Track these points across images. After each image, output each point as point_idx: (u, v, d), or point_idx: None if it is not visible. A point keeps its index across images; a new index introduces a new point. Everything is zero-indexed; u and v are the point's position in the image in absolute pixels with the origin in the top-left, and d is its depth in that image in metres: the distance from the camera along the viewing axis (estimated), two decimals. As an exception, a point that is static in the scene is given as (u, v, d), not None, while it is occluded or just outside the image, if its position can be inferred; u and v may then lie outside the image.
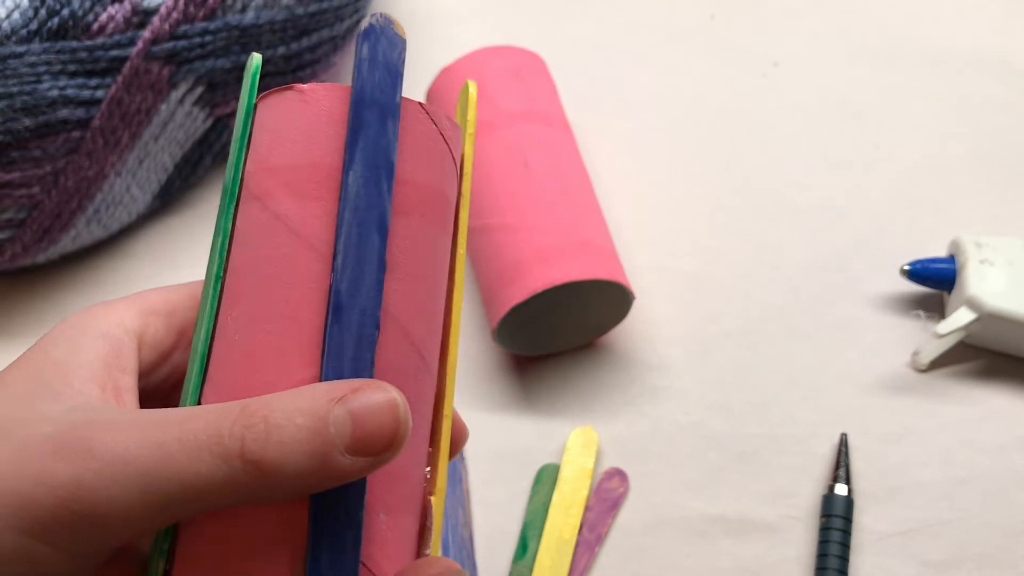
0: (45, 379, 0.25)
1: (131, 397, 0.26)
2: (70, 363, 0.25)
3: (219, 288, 0.27)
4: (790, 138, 0.54)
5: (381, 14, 0.26)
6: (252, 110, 0.27)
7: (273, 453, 0.22)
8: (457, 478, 0.44)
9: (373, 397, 0.23)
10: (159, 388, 0.28)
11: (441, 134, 0.27)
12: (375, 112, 0.25)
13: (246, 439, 0.22)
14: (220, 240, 0.27)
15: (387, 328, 0.26)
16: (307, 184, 0.26)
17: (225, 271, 0.27)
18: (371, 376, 0.25)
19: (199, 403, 0.26)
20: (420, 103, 0.27)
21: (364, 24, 0.26)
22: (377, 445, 0.23)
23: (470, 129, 0.29)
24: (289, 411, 0.23)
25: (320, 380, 0.24)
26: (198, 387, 0.26)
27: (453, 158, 0.28)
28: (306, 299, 0.25)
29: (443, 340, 0.28)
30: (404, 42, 0.26)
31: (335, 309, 0.25)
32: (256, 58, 0.28)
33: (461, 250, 0.28)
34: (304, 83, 0.31)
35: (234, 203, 0.27)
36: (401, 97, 0.26)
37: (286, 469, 0.22)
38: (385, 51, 0.26)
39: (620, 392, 0.46)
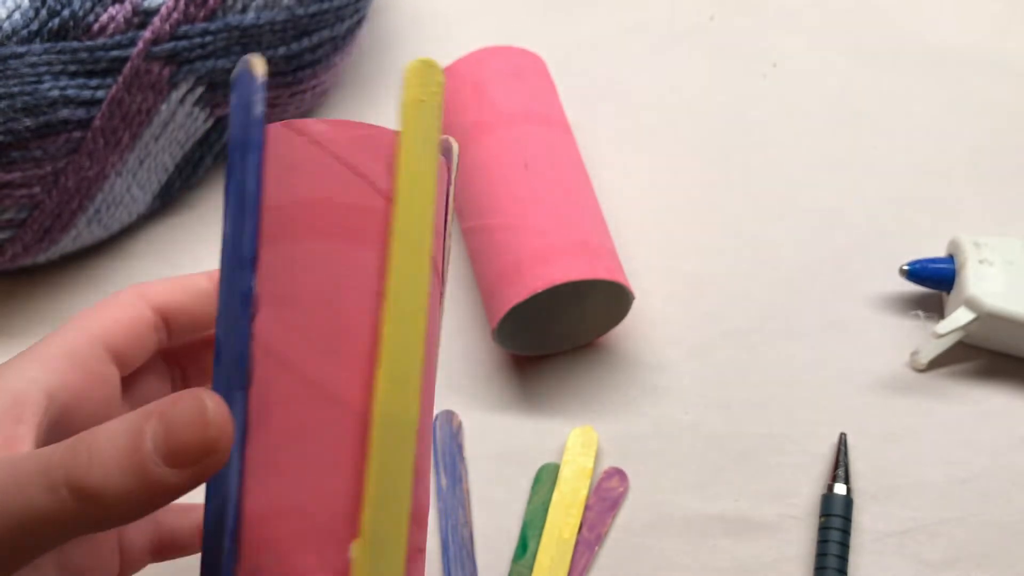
0: None
1: (25, 445, 0.26)
2: None
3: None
4: (789, 138, 0.54)
5: (243, 59, 0.27)
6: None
7: (96, 476, 0.22)
8: (457, 477, 0.44)
9: (182, 404, 0.23)
10: (76, 425, 0.28)
11: (312, 143, 0.27)
12: (237, 151, 0.26)
13: (69, 466, 0.23)
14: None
15: (263, 361, 0.25)
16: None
17: None
18: (240, 412, 0.25)
19: None
20: (285, 122, 0.27)
21: (232, 73, 0.27)
22: (192, 452, 0.23)
23: (418, 110, 0.27)
24: (110, 433, 0.23)
25: None
26: None
27: (344, 162, 0.27)
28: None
29: (375, 350, 0.26)
30: (257, 78, 0.27)
31: (216, 353, 0.25)
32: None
33: (397, 254, 0.26)
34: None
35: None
36: (262, 128, 0.26)
37: (110, 491, 0.22)
38: (243, 93, 0.27)
39: (620, 392, 0.46)
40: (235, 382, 0.25)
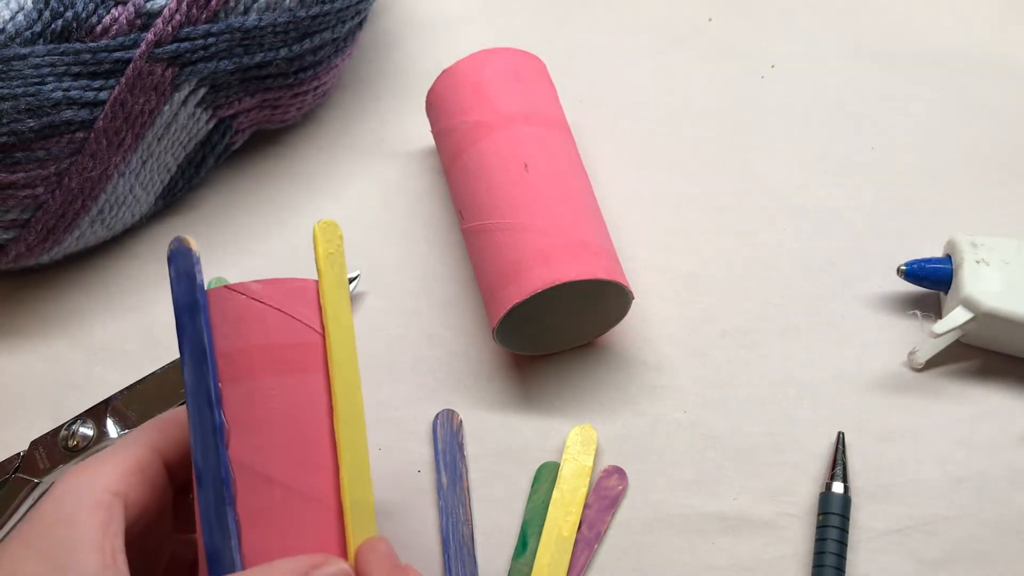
0: (54, 559, 0.29)
1: (122, 556, 0.30)
2: (73, 539, 0.29)
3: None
4: (787, 139, 0.54)
5: (176, 238, 0.32)
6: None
7: None
8: (457, 475, 0.44)
9: (328, 570, 0.30)
10: (135, 534, 0.32)
11: (254, 300, 0.33)
12: (186, 314, 0.32)
13: None
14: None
15: (242, 477, 0.31)
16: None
17: None
18: (231, 522, 0.30)
19: None
20: (226, 285, 0.33)
21: (168, 251, 0.32)
22: None
23: (322, 265, 0.34)
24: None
25: (199, 535, 0.31)
26: None
27: (281, 311, 0.33)
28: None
29: (339, 459, 0.32)
30: (193, 252, 0.32)
31: (196, 478, 0.31)
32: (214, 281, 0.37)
33: (338, 379, 0.33)
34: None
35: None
36: (204, 292, 0.32)
37: None
38: (182, 264, 0.32)
39: (619, 391, 0.46)
40: (222, 499, 0.31)
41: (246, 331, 0.32)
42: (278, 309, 0.33)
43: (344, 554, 0.32)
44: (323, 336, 0.33)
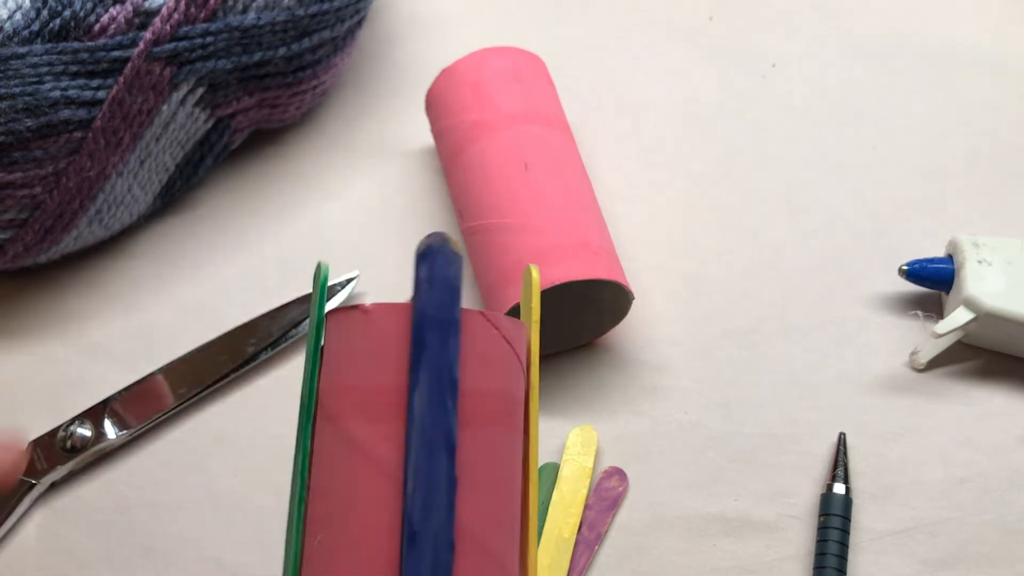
0: None
1: None
2: None
3: (302, 511, 0.27)
4: (789, 139, 0.54)
5: (438, 234, 0.27)
6: (322, 323, 0.28)
7: None
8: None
9: None
10: None
11: (504, 338, 0.28)
12: (436, 331, 0.26)
13: None
14: (301, 459, 0.27)
15: (463, 546, 0.26)
16: (375, 406, 0.26)
17: (308, 492, 0.27)
18: None
19: None
20: (481, 312, 0.28)
21: (422, 245, 0.27)
22: None
23: (535, 316, 0.29)
24: None
25: None
26: None
27: (518, 357, 0.28)
28: (382, 525, 0.25)
29: (522, 535, 0.28)
30: (461, 259, 0.27)
31: (409, 536, 0.25)
32: (325, 268, 0.29)
33: (533, 442, 0.29)
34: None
35: (311, 421, 0.27)
36: (461, 311, 0.26)
37: None
38: (442, 269, 0.26)
39: (619, 392, 0.46)
40: (442, 566, 0.25)
41: (490, 372, 0.27)
42: (517, 356, 0.28)
43: None
44: (528, 392, 0.29)
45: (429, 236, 0.27)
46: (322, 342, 0.28)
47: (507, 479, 0.28)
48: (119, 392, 0.45)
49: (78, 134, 0.44)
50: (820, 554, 0.41)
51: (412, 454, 0.25)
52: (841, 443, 0.44)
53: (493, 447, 0.27)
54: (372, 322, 0.27)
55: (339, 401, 0.27)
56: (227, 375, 0.46)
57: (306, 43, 0.49)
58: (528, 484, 0.28)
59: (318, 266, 0.29)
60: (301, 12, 0.48)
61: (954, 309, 0.45)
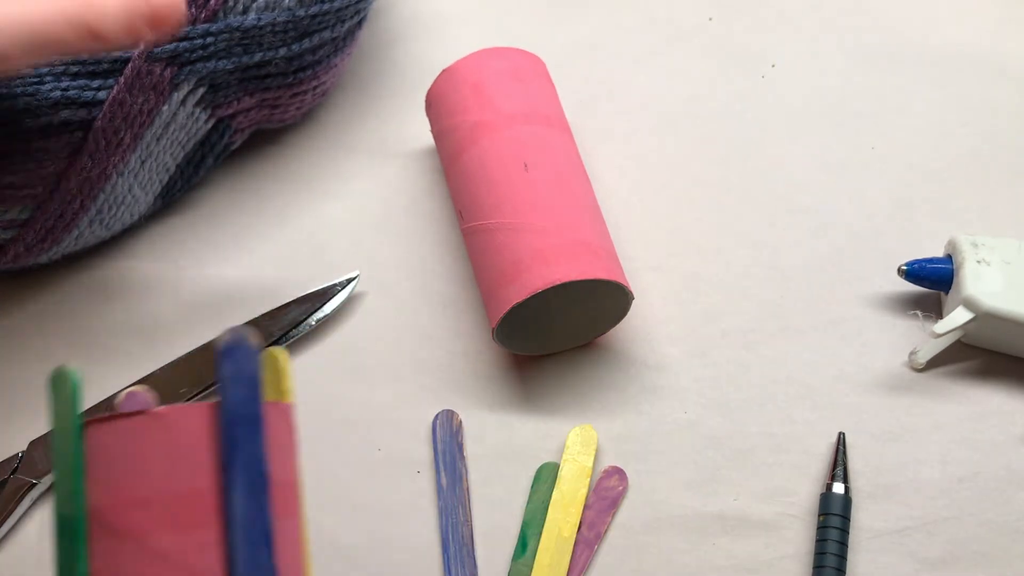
0: None
1: None
2: None
3: None
4: (788, 139, 0.54)
5: (235, 329, 0.27)
6: (80, 435, 0.26)
7: (107, 24, 0.35)
8: (457, 476, 0.44)
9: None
10: None
11: (290, 426, 0.28)
12: (245, 427, 0.26)
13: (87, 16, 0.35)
14: None
15: None
16: (185, 513, 0.26)
17: None
18: None
19: None
20: (275, 402, 0.28)
21: (221, 342, 0.27)
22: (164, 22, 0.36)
23: (291, 399, 0.29)
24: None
25: None
26: None
27: (296, 443, 0.29)
28: None
29: None
30: (258, 352, 0.27)
31: None
32: (73, 375, 0.27)
33: (304, 525, 0.29)
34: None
35: (85, 543, 0.26)
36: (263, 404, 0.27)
37: (111, 36, 0.36)
38: (243, 365, 0.26)
39: (619, 391, 0.46)
40: None
41: (285, 461, 0.27)
42: (296, 442, 0.28)
43: None
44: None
45: (227, 332, 0.27)
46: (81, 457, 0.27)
47: (301, 566, 0.28)
48: (119, 392, 0.45)
49: (79, 134, 0.44)
50: (819, 553, 0.41)
51: (238, 555, 0.25)
52: (840, 443, 0.44)
53: (292, 535, 0.27)
54: (168, 426, 0.26)
55: (138, 515, 0.26)
56: (227, 375, 0.46)
57: (306, 43, 0.49)
58: (308, 571, 0.29)
59: (62, 373, 0.27)
60: (301, 13, 0.48)
61: (953, 309, 0.45)
